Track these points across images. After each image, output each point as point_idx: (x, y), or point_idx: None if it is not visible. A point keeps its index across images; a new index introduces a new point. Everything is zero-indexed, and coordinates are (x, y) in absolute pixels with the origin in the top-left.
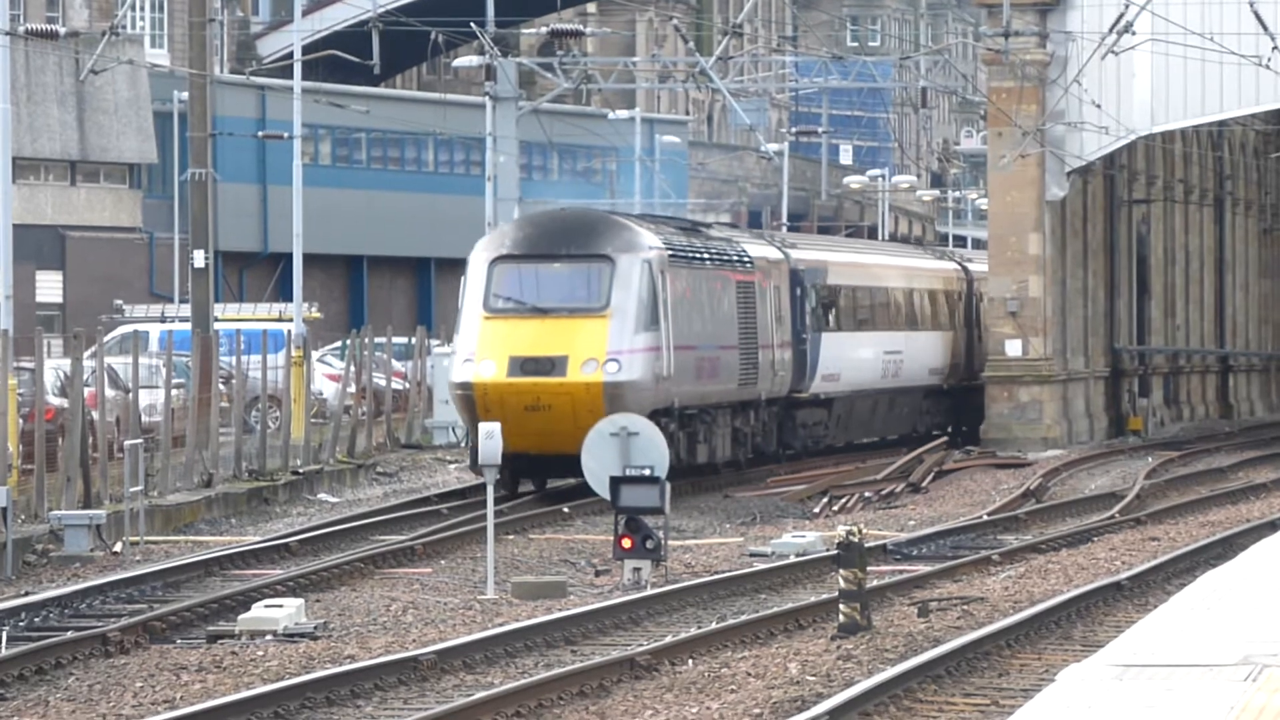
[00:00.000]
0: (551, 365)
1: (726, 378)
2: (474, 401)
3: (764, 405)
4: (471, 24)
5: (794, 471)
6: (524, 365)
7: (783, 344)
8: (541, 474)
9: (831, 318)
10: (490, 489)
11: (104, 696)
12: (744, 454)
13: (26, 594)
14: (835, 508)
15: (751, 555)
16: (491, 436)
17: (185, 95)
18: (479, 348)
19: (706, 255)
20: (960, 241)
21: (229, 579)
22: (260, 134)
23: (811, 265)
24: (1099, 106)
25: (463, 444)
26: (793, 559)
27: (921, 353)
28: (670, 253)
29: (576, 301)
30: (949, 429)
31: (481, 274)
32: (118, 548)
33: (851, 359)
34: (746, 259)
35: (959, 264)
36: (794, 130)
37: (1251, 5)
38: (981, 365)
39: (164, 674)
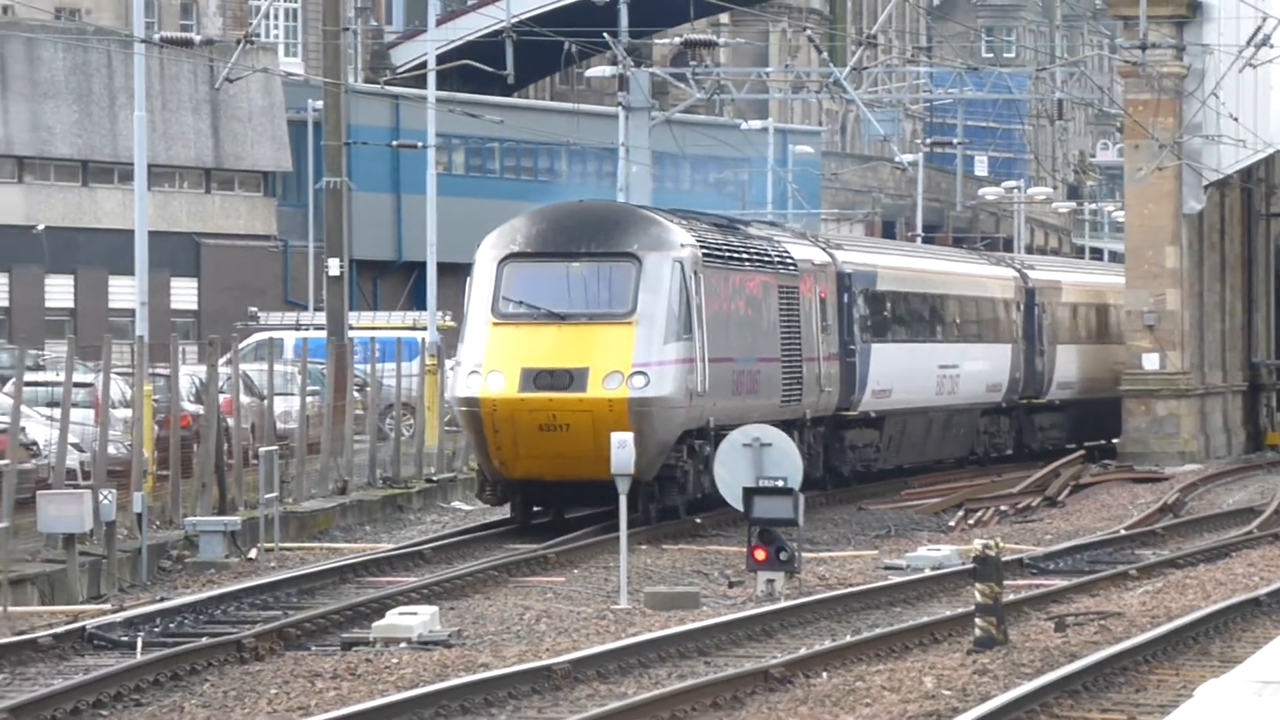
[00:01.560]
0: (569, 379)
1: (767, 393)
2: (481, 420)
3: (809, 425)
4: (604, 34)
5: (928, 484)
6: (538, 379)
7: (829, 356)
8: (558, 502)
9: (882, 327)
10: (623, 499)
11: (239, 703)
12: None
13: (161, 600)
14: (971, 521)
15: (886, 568)
16: (624, 446)
17: (319, 104)
18: (486, 359)
19: (745, 256)
20: (1097, 254)
21: (363, 586)
22: (394, 143)
23: (860, 269)
24: (1236, 119)
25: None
26: (928, 572)
27: (979, 367)
28: (705, 252)
29: (598, 306)
30: (1016, 454)
31: (489, 275)
32: (252, 554)
33: (904, 373)
34: (790, 261)
35: (1018, 271)
36: (928, 141)
37: None
38: (1042, 386)
39: (298, 681)
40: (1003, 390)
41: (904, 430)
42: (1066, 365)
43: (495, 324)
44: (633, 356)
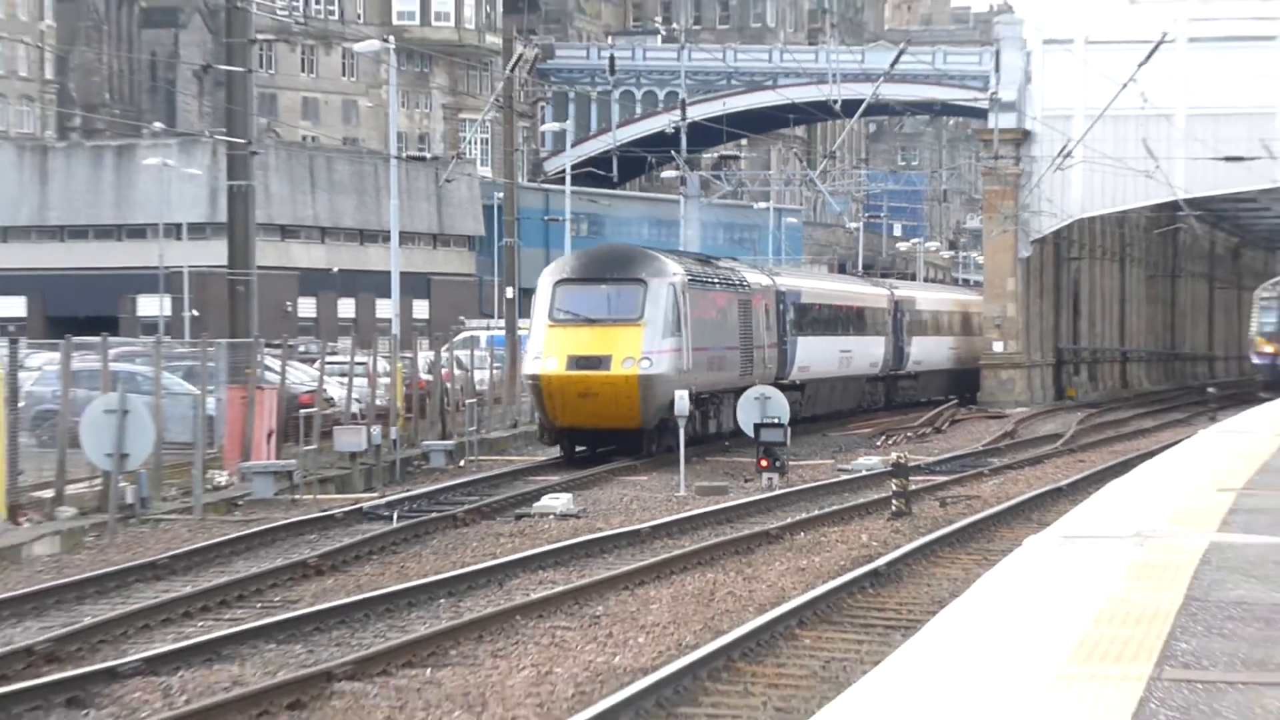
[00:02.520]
0: (599, 362)
1: (730, 370)
2: (541, 389)
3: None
4: (671, 151)
5: (865, 422)
6: (578, 362)
7: (771, 345)
8: (591, 443)
9: (804, 326)
10: (682, 431)
11: (454, 551)
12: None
13: (408, 490)
14: (890, 442)
15: (839, 470)
16: (683, 399)
17: (500, 194)
18: (544, 349)
19: (716, 280)
20: (966, 283)
21: (528, 482)
22: (545, 218)
23: (791, 289)
24: (1050, 201)
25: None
26: (864, 473)
27: (864, 351)
28: (689, 278)
29: (618, 314)
30: (886, 405)
31: (547, 293)
32: (461, 463)
33: (817, 355)
34: (745, 283)
35: (889, 289)
36: (865, 214)
37: (1144, 141)
38: (902, 362)
39: (489, 538)
40: (879, 366)
41: (817, 392)
42: (918, 350)
43: (550, 326)
44: (641, 347)
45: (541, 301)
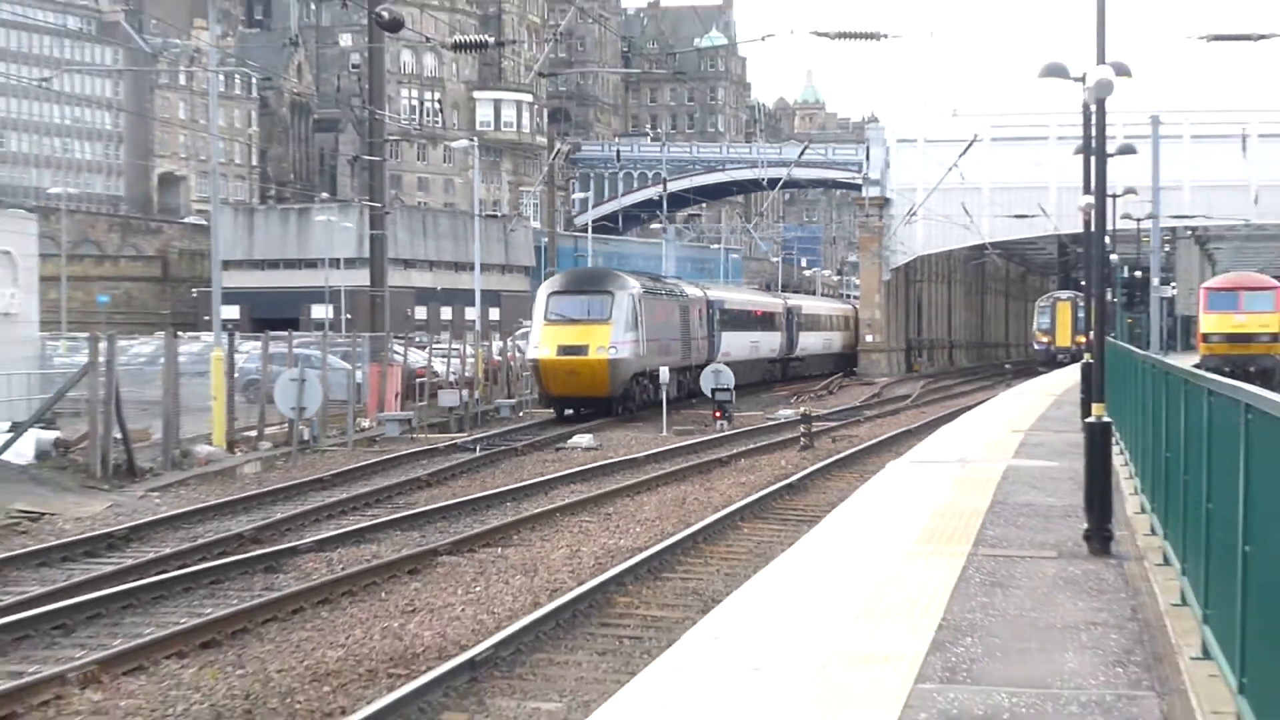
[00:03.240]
0: (580, 349)
1: (674, 355)
2: (539, 369)
3: (693, 368)
4: (657, 211)
5: (776, 390)
6: (565, 350)
7: (703, 338)
8: (576, 407)
9: (726, 324)
10: (664, 393)
11: (516, 470)
12: (683, 394)
13: (486, 432)
14: (800, 399)
15: (767, 419)
16: (668, 376)
17: (545, 239)
18: (541, 340)
19: (664, 292)
20: (847, 298)
21: (565, 426)
22: (575, 255)
23: (718, 299)
24: (903, 244)
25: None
26: (783, 420)
27: (767, 342)
28: (645, 290)
29: (593, 316)
30: (783, 378)
31: (544, 300)
32: (520, 414)
33: (736, 344)
34: (685, 294)
35: (784, 299)
36: (783, 252)
37: (963, 204)
38: (793, 349)
39: (538, 463)
40: (777, 351)
41: (735, 370)
42: (804, 341)
43: (546, 324)
44: (610, 339)
45: (539, 307)
